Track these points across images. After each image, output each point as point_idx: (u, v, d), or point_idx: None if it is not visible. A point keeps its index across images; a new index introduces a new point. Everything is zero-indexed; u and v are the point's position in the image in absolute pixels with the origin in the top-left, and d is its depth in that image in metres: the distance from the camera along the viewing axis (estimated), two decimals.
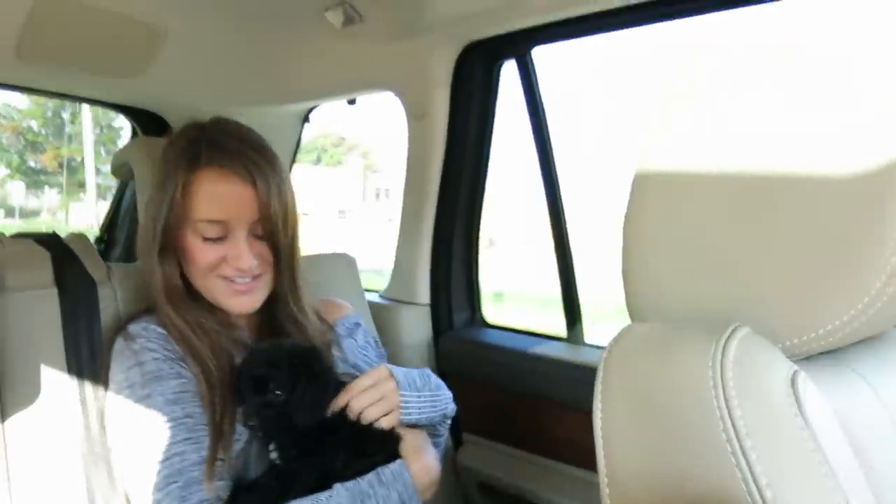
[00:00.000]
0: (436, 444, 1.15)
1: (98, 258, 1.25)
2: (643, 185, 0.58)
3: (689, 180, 0.55)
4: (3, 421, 1.05)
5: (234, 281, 1.08)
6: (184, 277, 1.11)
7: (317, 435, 1.01)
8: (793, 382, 0.47)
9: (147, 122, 2.01)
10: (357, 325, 1.32)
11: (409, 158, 1.74)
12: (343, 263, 1.62)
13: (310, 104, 1.97)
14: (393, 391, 1.05)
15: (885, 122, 0.46)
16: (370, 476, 0.99)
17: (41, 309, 1.12)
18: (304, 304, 1.19)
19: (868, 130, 0.47)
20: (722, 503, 0.43)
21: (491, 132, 1.67)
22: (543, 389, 1.47)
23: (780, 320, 0.51)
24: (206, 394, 1.02)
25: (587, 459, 1.41)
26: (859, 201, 0.47)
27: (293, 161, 2.19)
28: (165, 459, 0.94)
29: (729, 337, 0.48)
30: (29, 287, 1.12)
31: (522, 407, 1.53)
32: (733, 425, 0.44)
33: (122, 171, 1.41)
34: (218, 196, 1.04)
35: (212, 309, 1.11)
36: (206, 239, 1.05)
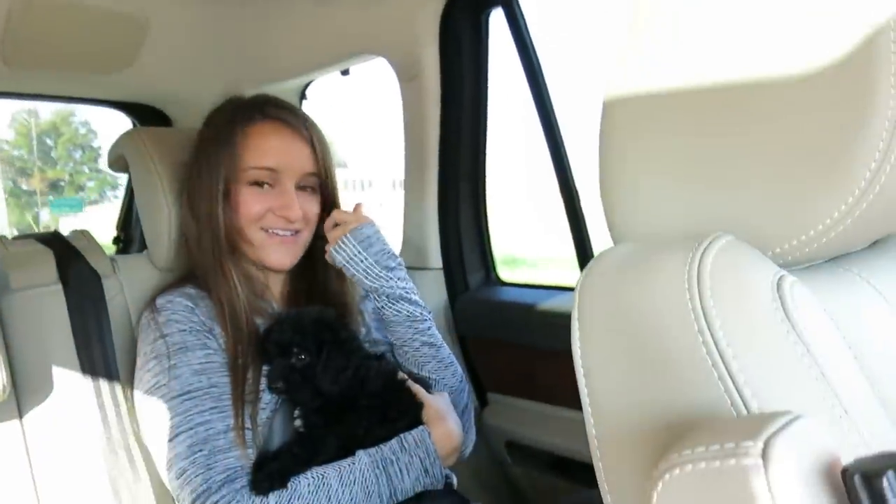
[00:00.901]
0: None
1: (102, 252, 1.26)
2: (616, 105, 0.55)
3: (661, 96, 0.52)
4: (20, 418, 1.06)
5: (277, 233, 1.12)
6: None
7: (340, 403, 1.02)
8: (778, 287, 0.44)
9: (146, 116, 2.01)
10: None
11: (405, 123, 1.70)
12: None
13: (304, 79, 1.94)
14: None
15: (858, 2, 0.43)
16: (393, 442, 0.99)
17: (48, 306, 1.12)
18: (330, 268, 1.20)
19: (842, 14, 0.43)
20: (707, 422, 0.41)
21: (486, 87, 1.63)
22: (565, 342, 1.43)
23: (767, 227, 0.48)
24: (234, 362, 1.03)
25: None
26: (839, 94, 0.43)
27: None
28: (191, 428, 0.95)
29: (708, 246, 0.45)
30: (34, 285, 1.13)
31: (545, 362, 1.51)
32: (712, 336, 0.41)
33: (119, 163, 1.41)
34: (274, 145, 1.10)
35: (248, 274, 1.14)
36: (255, 184, 1.10)
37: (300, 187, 1.14)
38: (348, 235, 1.11)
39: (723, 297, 0.42)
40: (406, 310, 1.15)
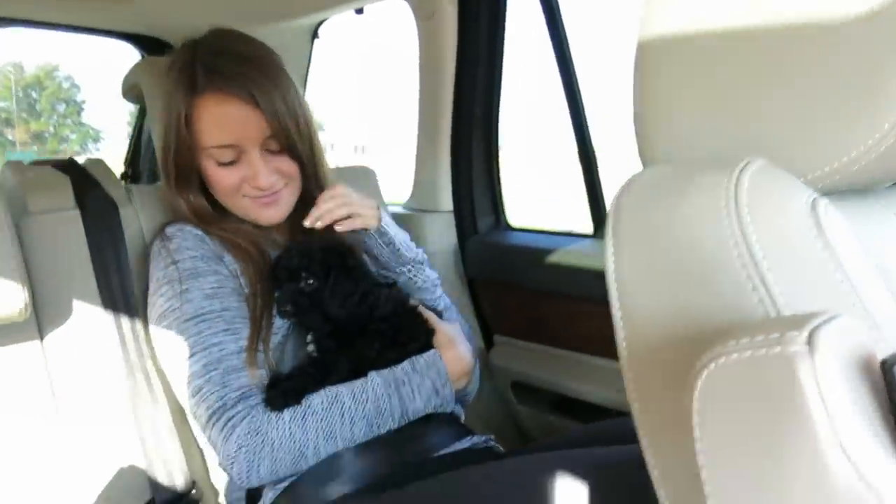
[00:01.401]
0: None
1: (118, 181, 1.26)
2: (652, 31, 0.55)
3: (697, 22, 0.52)
4: (41, 339, 1.08)
5: (258, 198, 1.09)
6: (209, 195, 1.13)
7: (351, 328, 1.04)
8: (812, 206, 0.45)
9: (151, 48, 1.98)
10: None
11: (420, 64, 1.69)
12: (364, 176, 1.61)
13: (316, 17, 1.91)
14: (369, 206, 1.12)
15: None
16: (404, 364, 1.02)
17: (66, 231, 1.13)
18: None
19: None
20: (745, 323, 0.42)
21: (503, 27, 1.61)
22: (572, 287, 1.46)
23: (798, 154, 0.49)
24: (246, 286, 1.05)
25: (615, 350, 1.40)
26: (877, 24, 0.44)
27: (305, 83, 2.15)
28: (204, 349, 0.97)
29: (744, 167, 0.46)
30: (51, 210, 1.14)
31: (551, 305, 1.53)
32: (748, 248, 0.42)
33: (132, 93, 1.40)
34: (222, 121, 1.03)
35: (243, 220, 1.14)
36: (220, 164, 1.06)
37: (268, 150, 1.07)
38: (381, 209, 1.14)
39: (759, 212, 0.44)
40: (421, 277, 1.19)
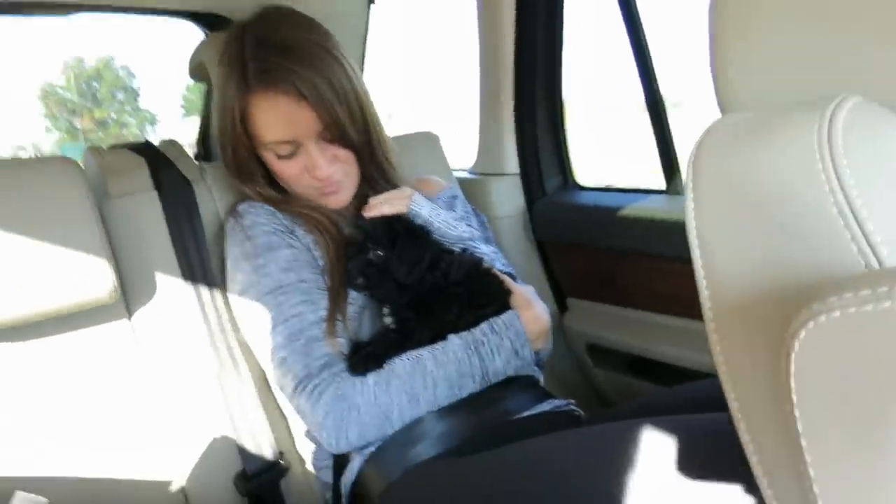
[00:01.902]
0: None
1: (191, 160, 1.29)
2: None
3: None
4: (130, 318, 1.13)
5: (320, 187, 1.11)
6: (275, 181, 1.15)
7: (427, 295, 1.04)
8: None
9: (215, 25, 2.00)
10: (454, 197, 1.34)
11: (479, 26, 1.65)
12: (428, 142, 1.60)
13: None
14: (403, 196, 1.12)
15: None
16: (483, 325, 1.02)
17: (145, 211, 1.17)
18: (400, 184, 1.20)
19: None
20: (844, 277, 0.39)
21: None
22: (645, 245, 1.42)
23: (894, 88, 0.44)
24: (321, 258, 1.08)
25: (694, 310, 1.36)
26: None
27: (363, 49, 2.13)
28: (285, 320, 1.00)
29: (838, 105, 0.42)
30: (130, 192, 1.18)
31: (624, 265, 1.49)
32: (845, 196, 0.39)
33: (199, 72, 1.42)
34: (275, 118, 1.03)
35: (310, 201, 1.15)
36: (280, 156, 1.08)
37: (324, 139, 1.07)
38: (416, 194, 1.12)
39: (856, 154, 0.40)
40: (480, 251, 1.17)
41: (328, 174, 1.08)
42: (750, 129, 0.46)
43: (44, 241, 1.01)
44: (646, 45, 1.38)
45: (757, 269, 0.44)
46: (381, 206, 1.09)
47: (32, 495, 0.88)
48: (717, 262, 0.47)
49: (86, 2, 1.76)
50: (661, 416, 0.87)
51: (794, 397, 0.34)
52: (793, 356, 0.33)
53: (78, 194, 1.06)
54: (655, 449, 0.75)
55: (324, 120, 1.03)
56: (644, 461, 0.74)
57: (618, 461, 0.76)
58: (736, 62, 0.50)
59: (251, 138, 1.07)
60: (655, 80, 1.39)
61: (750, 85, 0.50)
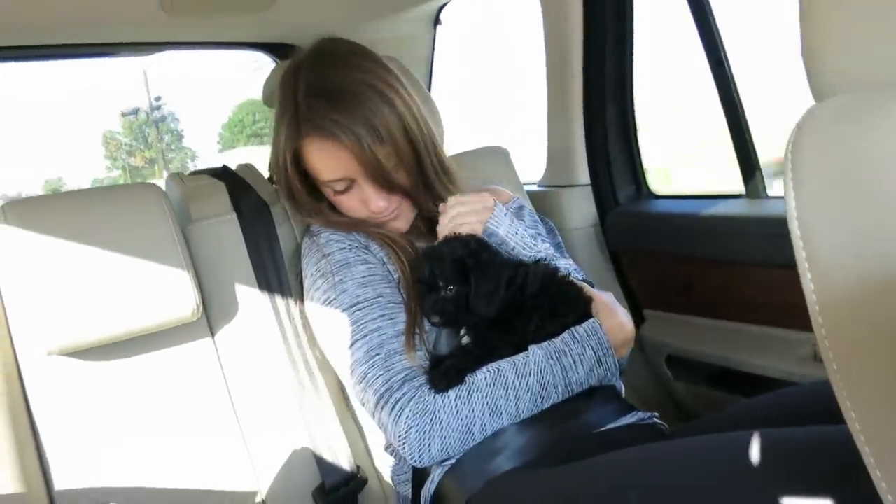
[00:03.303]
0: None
1: (267, 183, 1.33)
2: None
3: None
4: (213, 336, 1.16)
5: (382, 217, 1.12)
6: None
7: (506, 312, 1.01)
8: None
9: (282, 53, 2.07)
10: (521, 207, 1.32)
11: (546, 35, 1.64)
12: (497, 156, 1.59)
13: (436, 2, 1.91)
14: (480, 209, 1.10)
15: None
16: (565, 335, 0.99)
17: (226, 233, 1.21)
18: None
19: None
20: None
21: None
22: (724, 252, 1.37)
23: None
24: (395, 273, 1.08)
25: (777, 317, 1.31)
26: None
27: (431, 70, 2.16)
28: (364, 336, 1.00)
29: None
30: (212, 216, 1.22)
31: (702, 273, 1.45)
32: None
33: (272, 98, 1.46)
34: (325, 160, 1.06)
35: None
36: (337, 192, 1.10)
37: (372, 177, 1.06)
38: (502, 207, 1.11)
39: None
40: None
41: (383, 207, 1.09)
42: (854, 111, 0.44)
43: (131, 264, 1.06)
44: (721, 44, 1.34)
45: (868, 255, 0.41)
46: (460, 216, 1.08)
47: None
48: (822, 251, 0.44)
49: (165, 39, 1.85)
50: (751, 428, 0.82)
51: None
52: None
53: (162, 218, 1.10)
54: (753, 464, 0.71)
55: (366, 166, 1.04)
56: (743, 477, 0.70)
57: (712, 476, 0.72)
58: (829, 54, 0.47)
59: (308, 176, 1.11)
60: (732, 80, 1.35)
61: (845, 72, 0.48)
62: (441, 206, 1.11)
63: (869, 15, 0.46)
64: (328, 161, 1.06)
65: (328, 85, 1.05)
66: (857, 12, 0.47)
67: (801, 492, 0.66)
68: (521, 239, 1.12)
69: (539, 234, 1.23)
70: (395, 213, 1.13)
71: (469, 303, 0.99)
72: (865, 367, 0.42)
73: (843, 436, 0.44)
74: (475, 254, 1.01)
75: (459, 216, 1.09)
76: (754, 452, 0.72)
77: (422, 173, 1.11)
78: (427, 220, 1.19)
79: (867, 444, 0.42)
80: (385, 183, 1.07)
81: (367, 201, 1.08)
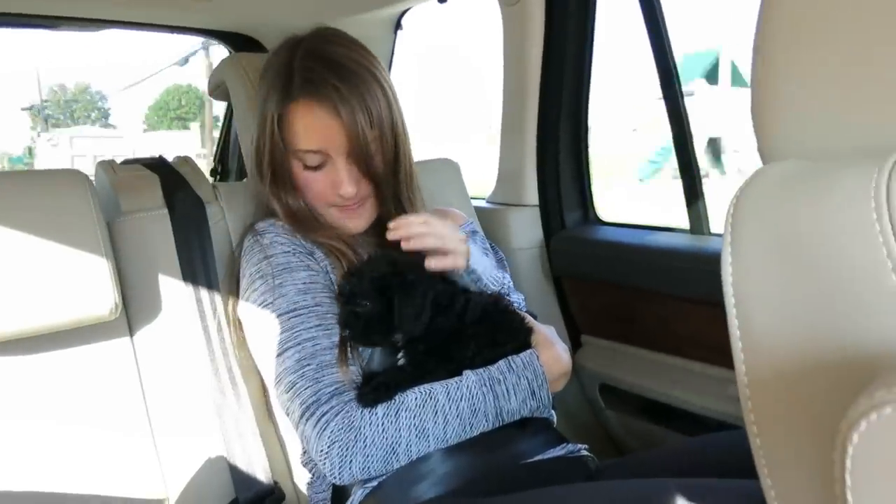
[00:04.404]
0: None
1: (205, 179, 1.27)
2: (773, 12, 0.47)
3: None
4: (131, 336, 1.10)
5: (344, 207, 1.09)
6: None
7: (442, 335, 0.99)
8: None
9: (240, 44, 2.01)
10: (474, 232, 1.32)
11: (505, 53, 1.63)
12: (447, 169, 1.57)
13: (399, 6, 1.88)
14: (460, 241, 1.05)
15: None
16: (501, 363, 0.98)
17: (154, 230, 1.15)
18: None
19: None
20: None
21: (594, 15, 1.53)
22: (666, 285, 1.37)
23: None
24: (336, 284, 1.04)
25: (714, 355, 1.32)
26: None
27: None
28: (298, 344, 0.97)
29: None
30: (141, 210, 1.16)
31: (643, 304, 1.45)
32: None
33: (218, 91, 1.41)
34: (311, 127, 1.04)
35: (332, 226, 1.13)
36: (307, 167, 1.06)
37: (352, 161, 1.06)
38: (472, 247, 1.08)
39: None
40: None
41: (351, 193, 1.06)
42: (799, 180, 0.42)
43: (48, 255, 0.99)
44: (676, 78, 1.35)
45: (803, 332, 0.39)
46: (445, 259, 1.03)
47: None
48: (755, 322, 0.42)
49: (115, 17, 1.77)
50: (681, 474, 0.81)
51: (850, 497, 0.29)
52: (850, 449, 0.29)
53: (85, 208, 1.04)
54: None
55: (352, 142, 1.03)
56: None
57: None
58: (777, 117, 0.46)
59: (285, 144, 1.06)
60: (684, 113, 1.36)
61: (795, 135, 0.46)
62: (412, 218, 1.05)
63: (820, 84, 0.45)
64: (315, 128, 1.03)
65: (330, 55, 1.05)
66: (809, 81, 0.46)
67: None
68: (492, 273, 1.12)
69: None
70: (358, 207, 1.11)
71: (390, 321, 0.96)
72: (787, 436, 0.41)
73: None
74: (400, 273, 0.98)
75: (446, 238, 1.04)
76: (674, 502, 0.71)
77: (395, 173, 1.11)
78: (382, 228, 1.16)
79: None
80: (363, 167, 1.06)
81: (338, 184, 1.05)
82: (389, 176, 1.11)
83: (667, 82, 1.36)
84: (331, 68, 1.03)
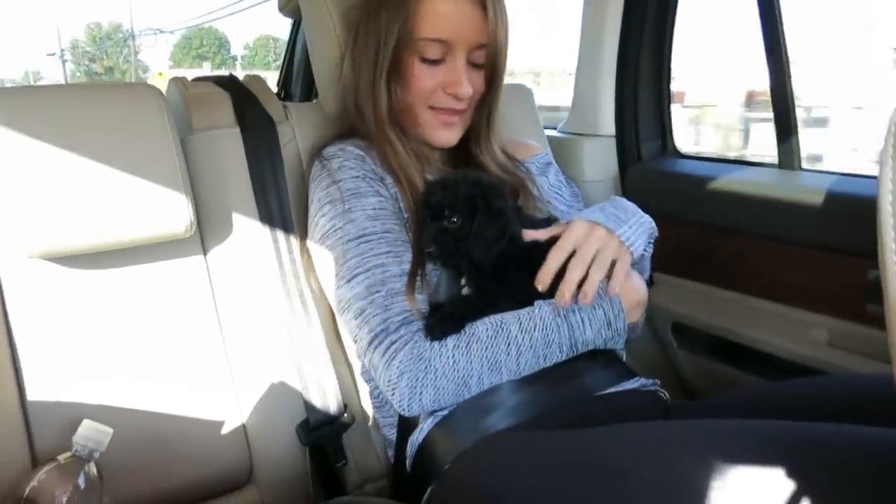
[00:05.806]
0: (643, 270, 1.11)
1: (275, 98, 1.25)
2: None
3: None
4: (205, 254, 1.10)
5: (443, 112, 1.06)
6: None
7: (508, 266, 0.96)
8: None
9: None
10: (549, 164, 1.28)
11: None
12: (520, 95, 1.50)
13: None
14: (606, 238, 0.91)
15: None
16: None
17: (226, 147, 1.13)
18: (494, 144, 1.16)
19: None
20: None
21: None
22: (748, 223, 1.30)
23: None
24: (406, 211, 1.02)
25: (795, 297, 1.25)
26: None
27: None
28: (367, 270, 0.95)
29: None
30: (213, 127, 1.14)
31: (721, 243, 1.38)
32: None
33: (289, 8, 1.37)
34: (446, 14, 1.01)
35: (410, 146, 1.10)
36: (424, 60, 1.03)
37: (470, 62, 1.05)
38: (617, 233, 0.93)
39: None
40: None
41: (468, 92, 1.04)
42: None
43: (124, 169, 0.99)
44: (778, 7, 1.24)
45: None
46: (587, 294, 0.89)
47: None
48: None
49: None
50: (765, 416, 0.77)
51: None
52: None
53: (161, 124, 1.02)
54: (797, 465, 0.64)
55: (490, 35, 1.02)
56: (752, 474, 0.65)
57: (719, 469, 0.67)
58: None
59: (406, 35, 1.02)
60: (784, 44, 1.26)
61: None
62: (561, 240, 0.92)
63: None
64: (450, 14, 1.01)
65: None
66: None
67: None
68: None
69: (561, 196, 1.20)
70: (456, 116, 1.08)
71: (467, 243, 0.93)
72: None
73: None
74: (487, 197, 0.95)
75: (590, 262, 0.90)
76: (765, 445, 0.67)
77: (493, 92, 1.10)
78: (456, 158, 1.14)
79: None
80: (489, 69, 1.06)
81: (454, 82, 1.03)
82: (494, 90, 1.10)
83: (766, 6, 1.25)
84: None
